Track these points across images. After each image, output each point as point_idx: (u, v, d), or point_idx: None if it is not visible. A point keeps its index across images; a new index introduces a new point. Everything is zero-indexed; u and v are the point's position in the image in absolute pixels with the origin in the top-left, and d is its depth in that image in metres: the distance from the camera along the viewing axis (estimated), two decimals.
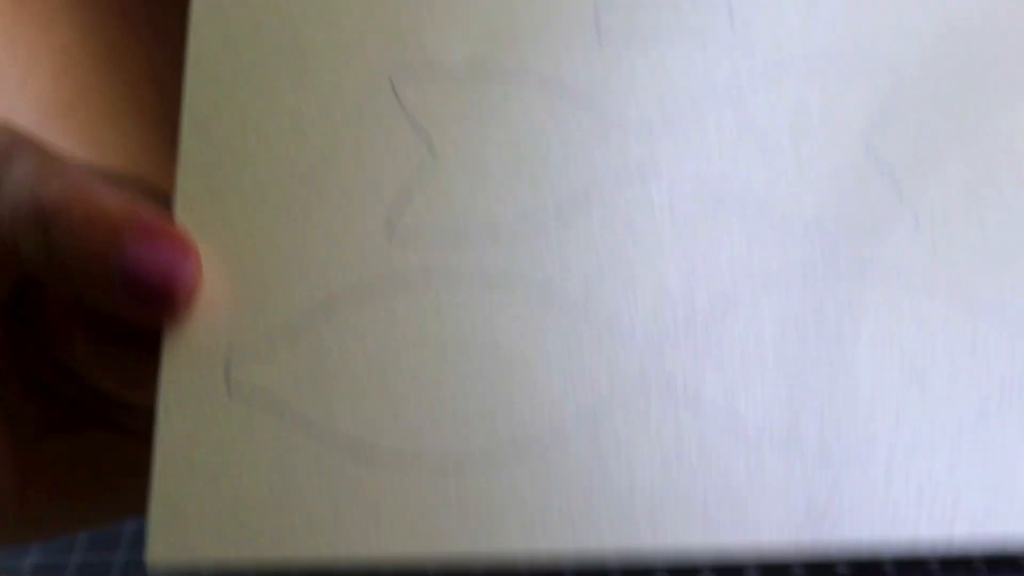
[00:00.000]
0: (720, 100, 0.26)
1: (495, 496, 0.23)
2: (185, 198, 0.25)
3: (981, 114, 0.26)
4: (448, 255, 0.25)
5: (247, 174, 0.25)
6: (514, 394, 0.24)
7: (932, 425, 0.24)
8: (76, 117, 0.42)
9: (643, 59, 0.26)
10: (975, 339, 0.24)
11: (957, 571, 0.38)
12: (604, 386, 0.24)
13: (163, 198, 0.25)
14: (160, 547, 0.23)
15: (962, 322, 0.24)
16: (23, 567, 0.38)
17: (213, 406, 0.23)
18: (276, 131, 0.25)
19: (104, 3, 0.42)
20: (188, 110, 0.26)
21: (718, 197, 0.25)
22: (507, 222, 0.25)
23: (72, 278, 0.23)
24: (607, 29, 0.26)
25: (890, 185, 0.25)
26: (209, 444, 0.23)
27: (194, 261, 0.24)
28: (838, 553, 0.23)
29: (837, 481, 0.23)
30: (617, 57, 0.26)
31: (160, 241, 0.23)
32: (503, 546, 0.23)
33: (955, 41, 0.26)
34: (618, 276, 0.24)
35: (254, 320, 0.24)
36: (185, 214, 0.25)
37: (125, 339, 0.25)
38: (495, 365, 0.24)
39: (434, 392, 0.24)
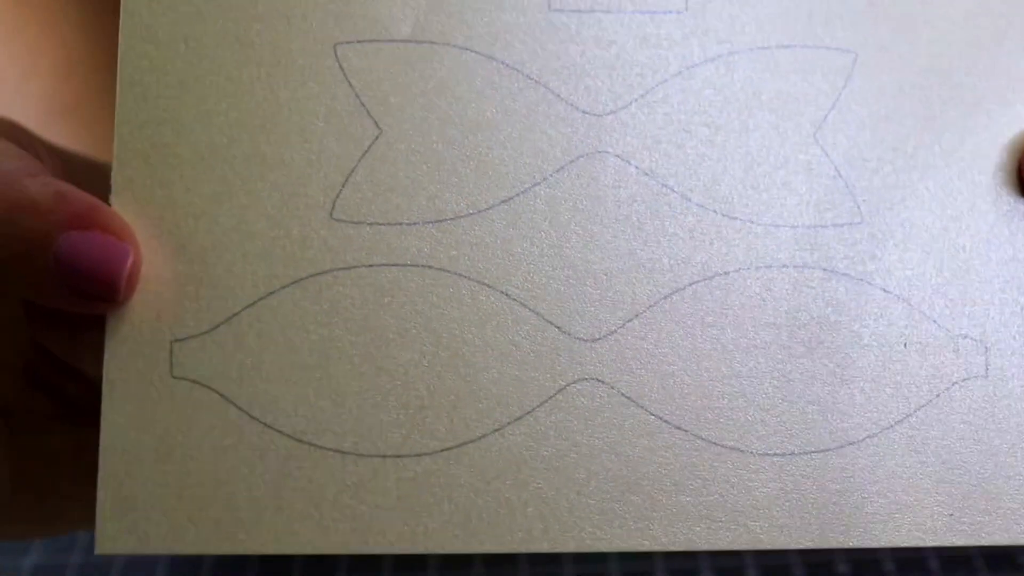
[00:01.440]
0: (671, 81, 0.25)
1: (434, 495, 0.23)
2: (123, 175, 0.24)
3: (936, 110, 0.25)
4: (389, 239, 0.24)
5: (187, 148, 0.24)
6: (455, 391, 0.24)
7: (850, 422, 0.24)
8: (77, 116, 0.41)
9: (594, 33, 0.25)
10: (911, 333, 0.24)
11: (957, 571, 0.38)
12: (546, 384, 0.24)
13: None
14: (109, 534, 0.23)
15: (901, 316, 0.24)
16: (23, 567, 0.38)
17: (158, 391, 0.23)
18: (216, 102, 0.24)
19: (105, 2, 0.42)
20: (124, 78, 0.24)
21: (664, 184, 0.25)
22: (450, 205, 0.24)
23: (7, 274, 0.22)
24: (558, 1, 0.25)
25: (835, 177, 0.25)
26: (155, 430, 0.23)
27: (131, 248, 0.23)
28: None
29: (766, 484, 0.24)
30: (568, 31, 0.25)
31: (93, 229, 0.22)
32: (440, 545, 0.23)
33: (916, 32, 0.26)
34: (561, 268, 0.24)
35: (196, 305, 0.24)
36: (123, 194, 0.24)
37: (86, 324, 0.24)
38: (436, 358, 0.24)
39: (375, 385, 0.24)
